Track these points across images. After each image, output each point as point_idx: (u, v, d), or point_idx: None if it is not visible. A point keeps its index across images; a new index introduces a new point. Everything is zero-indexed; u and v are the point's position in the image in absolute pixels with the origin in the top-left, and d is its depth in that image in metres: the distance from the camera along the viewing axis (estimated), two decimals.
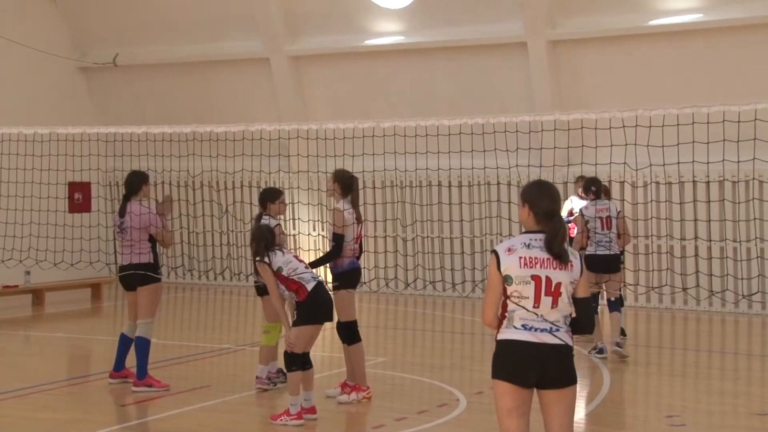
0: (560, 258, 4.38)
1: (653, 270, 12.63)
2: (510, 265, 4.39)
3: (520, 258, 4.39)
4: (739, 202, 12.53)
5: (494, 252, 4.46)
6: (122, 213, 8.41)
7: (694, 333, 12.05)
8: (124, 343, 8.57)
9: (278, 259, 7.15)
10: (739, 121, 9.11)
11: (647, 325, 12.15)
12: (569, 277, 4.41)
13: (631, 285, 12.57)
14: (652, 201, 12.79)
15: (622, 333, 10.60)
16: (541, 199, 4.46)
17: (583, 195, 10.52)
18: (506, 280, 4.40)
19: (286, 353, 7.17)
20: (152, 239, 8.46)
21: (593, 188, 9.84)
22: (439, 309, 13.47)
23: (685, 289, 12.04)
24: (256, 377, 8.38)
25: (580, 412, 7.51)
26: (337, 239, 7.68)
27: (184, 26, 15.94)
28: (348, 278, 7.82)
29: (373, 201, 13.86)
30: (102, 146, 14.88)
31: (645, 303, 13.34)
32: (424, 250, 14.32)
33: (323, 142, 13.22)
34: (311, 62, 15.56)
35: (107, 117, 16.64)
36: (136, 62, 16.49)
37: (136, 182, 8.46)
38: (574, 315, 4.48)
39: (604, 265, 9.68)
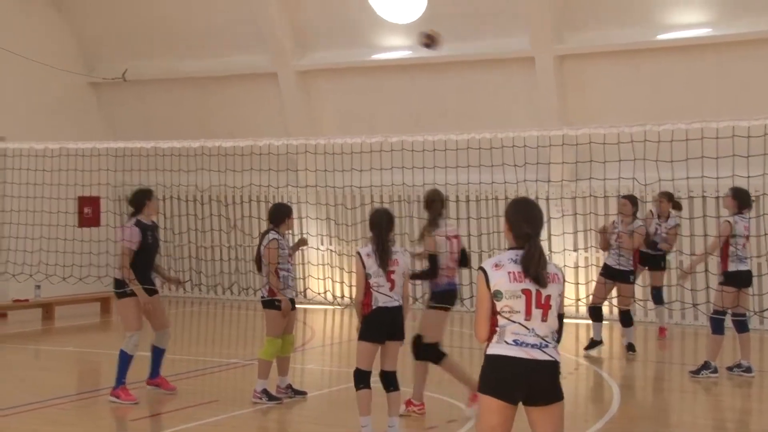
0: (537, 281, 4.41)
1: (665, 285, 12.59)
2: (499, 281, 4.42)
3: (509, 273, 4.43)
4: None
5: (481, 269, 4.50)
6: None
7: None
8: (152, 351, 8.88)
9: (372, 266, 6.87)
10: (749, 136, 9.09)
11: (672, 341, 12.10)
12: (558, 290, 4.49)
13: (641, 300, 12.53)
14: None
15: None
16: (520, 221, 4.52)
17: (664, 211, 10.80)
18: (495, 295, 4.42)
19: (356, 371, 6.96)
20: (141, 254, 8.45)
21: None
22: (456, 325, 13.42)
23: (695, 305, 12.00)
24: (278, 387, 8.43)
25: (590, 429, 7.48)
26: (432, 261, 7.57)
27: (192, 41, 16.03)
28: (442, 298, 7.71)
29: None
30: (111, 161, 14.94)
31: (654, 318, 13.30)
32: None
33: (331, 156, 13.25)
34: (319, 77, 15.61)
35: (116, 132, 16.71)
36: (144, 77, 16.58)
37: (138, 200, 8.59)
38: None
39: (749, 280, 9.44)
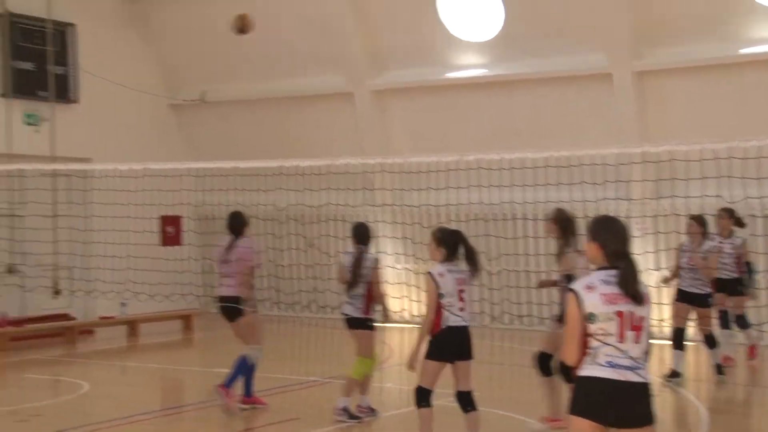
0: (635, 298, 4.37)
1: (752, 307, 12.24)
2: (593, 303, 4.38)
3: (603, 295, 4.38)
4: None
5: (573, 291, 4.44)
6: (229, 248, 8.87)
7: None
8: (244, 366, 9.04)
9: (448, 284, 6.86)
10: None
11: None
12: (649, 311, 4.45)
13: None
14: (749, 235, 12.39)
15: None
16: (611, 239, 4.47)
17: (725, 229, 10.39)
18: (589, 318, 4.38)
19: (417, 389, 6.96)
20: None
21: None
22: (526, 343, 13.33)
23: None
24: (357, 406, 8.47)
25: None
26: (570, 280, 7.54)
27: (269, 63, 16.30)
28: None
29: None
30: (192, 181, 15.26)
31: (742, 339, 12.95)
32: (509, 284, 14.22)
33: (406, 175, 13.31)
34: (394, 96, 15.71)
35: (196, 152, 17.07)
36: (223, 99, 16.93)
37: (245, 220, 9.06)
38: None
39: None
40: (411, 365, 6.94)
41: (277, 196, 14.52)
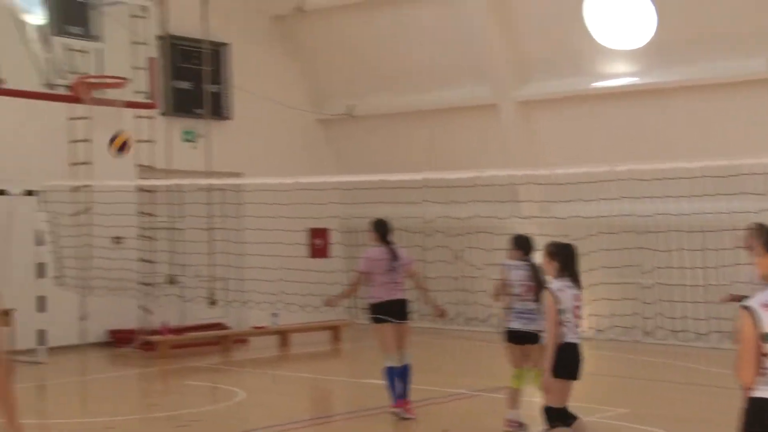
0: None
1: None
2: None
3: None
4: None
5: (747, 308, 4.21)
6: (395, 255, 9.24)
7: None
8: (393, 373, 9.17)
9: (566, 299, 6.78)
10: None
11: None
12: None
13: None
14: None
15: None
16: None
17: None
18: (766, 338, 4.15)
19: (547, 409, 6.87)
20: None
21: None
22: (681, 359, 12.85)
23: None
24: (507, 420, 8.35)
25: None
26: None
27: (414, 76, 16.42)
28: None
29: (608, 247, 13.48)
30: (339, 194, 15.53)
31: None
32: (663, 298, 13.73)
33: (554, 186, 13.07)
34: (540, 107, 15.51)
35: (344, 166, 17.38)
36: (370, 112, 17.17)
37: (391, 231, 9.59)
38: None
39: None
40: (546, 387, 6.82)
41: (424, 208, 14.57)
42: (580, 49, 14.63)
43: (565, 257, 6.86)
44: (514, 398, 8.41)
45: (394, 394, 9.03)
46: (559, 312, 6.68)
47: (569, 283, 6.80)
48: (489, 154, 15.65)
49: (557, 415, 6.80)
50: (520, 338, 8.24)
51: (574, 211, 13.54)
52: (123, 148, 8.50)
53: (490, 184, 12.35)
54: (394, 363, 8.98)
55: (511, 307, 8.27)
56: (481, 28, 15.26)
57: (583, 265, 13.72)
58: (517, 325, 8.21)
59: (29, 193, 13.21)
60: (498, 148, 15.77)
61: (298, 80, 17.68)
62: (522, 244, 8.41)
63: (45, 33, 11.64)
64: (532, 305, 8.11)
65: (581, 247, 15.23)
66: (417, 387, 10.88)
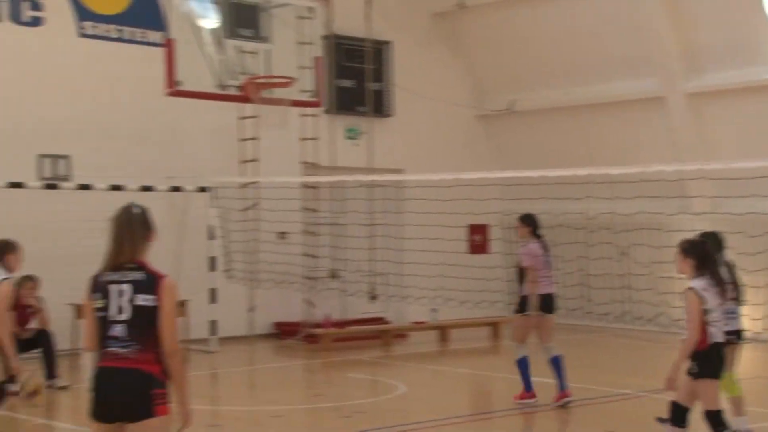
0: None
1: None
2: None
3: None
4: None
5: None
6: (547, 249, 9.62)
7: None
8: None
9: (711, 298, 6.52)
10: None
11: None
12: None
13: None
14: None
15: None
16: None
17: None
18: None
19: (708, 414, 6.55)
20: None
21: None
22: None
23: None
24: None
25: None
26: None
27: (577, 69, 16.07)
28: None
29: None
30: (499, 190, 15.41)
31: None
32: None
33: (728, 181, 12.45)
34: (711, 98, 14.82)
35: (504, 161, 17.23)
36: (530, 108, 16.94)
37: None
38: None
39: None
40: (671, 385, 6.52)
41: (586, 204, 14.23)
42: (757, 38, 13.88)
43: (701, 254, 6.58)
44: (738, 406, 7.82)
45: (529, 385, 9.42)
46: (705, 312, 6.45)
47: (712, 281, 6.52)
48: (655, 148, 15.12)
49: (720, 420, 6.51)
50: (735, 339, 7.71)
51: (750, 206, 12.88)
52: (34, 394, 8.99)
53: (656, 180, 11.93)
54: (527, 354, 9.44)
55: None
56: (650, 16, 14.75)
57: (759, 263, 13.09)
58: (735, 325, 7.63)
59: (202, 189, 13.85)
60: (664, 141, 15.21)
61: (459, 76, 17.67)
62: (715, 241, 7.96)
63: (218, 36, 12.15)
64: (732, 305, 7.69)
65: (759, 245, 14.56)
66: (579, 385, 10.69)
